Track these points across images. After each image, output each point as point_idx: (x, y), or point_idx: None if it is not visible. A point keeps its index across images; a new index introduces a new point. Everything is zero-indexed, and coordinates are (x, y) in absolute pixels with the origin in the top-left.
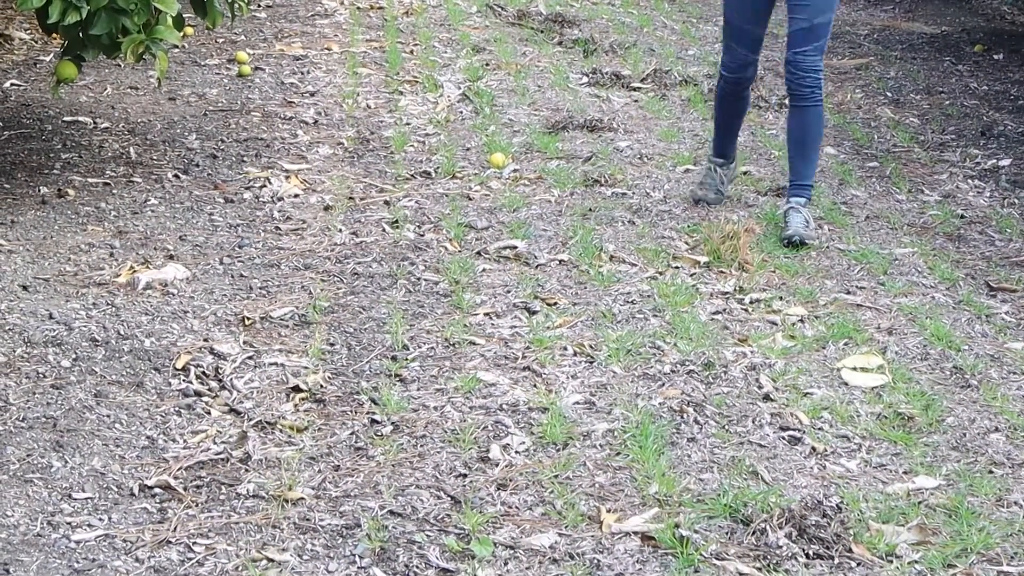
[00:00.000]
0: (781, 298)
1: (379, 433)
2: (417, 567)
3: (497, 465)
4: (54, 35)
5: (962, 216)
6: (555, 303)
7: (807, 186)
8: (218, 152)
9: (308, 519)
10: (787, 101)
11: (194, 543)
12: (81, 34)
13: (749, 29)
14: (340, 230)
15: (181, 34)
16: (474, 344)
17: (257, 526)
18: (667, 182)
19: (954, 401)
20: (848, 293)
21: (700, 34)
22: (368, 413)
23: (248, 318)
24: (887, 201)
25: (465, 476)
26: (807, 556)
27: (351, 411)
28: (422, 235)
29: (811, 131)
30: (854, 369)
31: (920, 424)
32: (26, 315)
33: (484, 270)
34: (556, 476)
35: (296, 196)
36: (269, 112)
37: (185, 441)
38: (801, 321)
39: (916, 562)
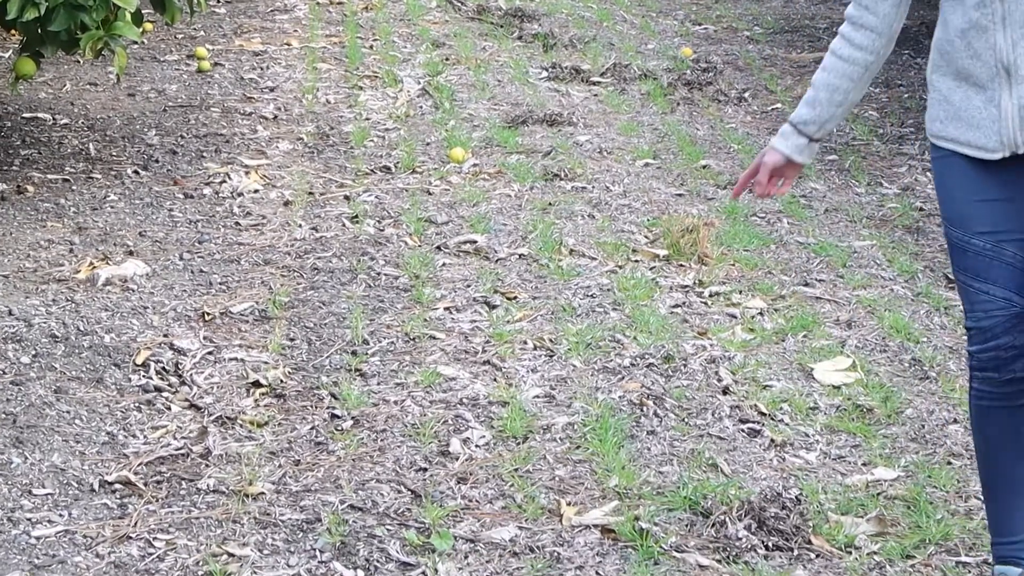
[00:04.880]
0: (740, 291)
1: (339, 428)
2: (378, 561)
3: (457, 459)
4: (12, 31)
5: (921, 209)
6: (515, 297)
7: None
8: (178, 148)
9: (268, 514)
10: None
11: (154, 538)
12: (40, 30)
13: (1001, 250)
14: (300, 225)
15: (140, 30)
16: (434, 338)
17: (217, 521)
18: (627, 176)
19: (913, 393)
20: (807, 286)
21: (660, 28)
22: (328, 408)
23: (208, 313)
24: (846, 194)
25: (425, 470)
26: (766, 548)
27: (311, 406)
28: (382, 230)
29: None
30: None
31: (879, 416)
32: None
33: (444, 264)
34: (516, 470)
35: (256, 192)
36: (229, 108)
37: (145, 437)
38: (760, 314)
39: (875, 553)
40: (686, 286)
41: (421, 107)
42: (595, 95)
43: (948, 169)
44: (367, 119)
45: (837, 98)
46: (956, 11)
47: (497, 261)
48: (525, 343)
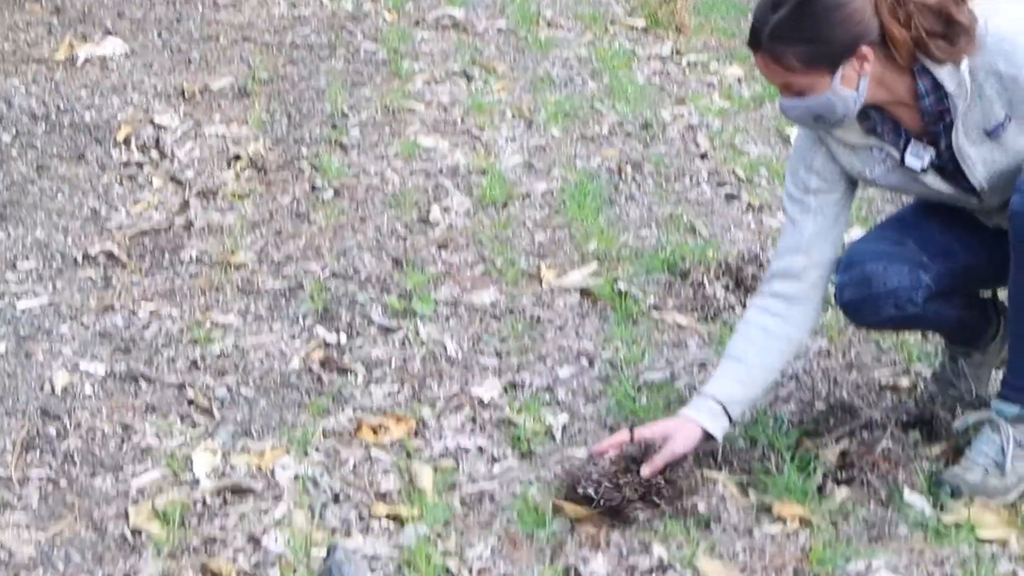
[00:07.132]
0: (718, 60)
1: (320, 199)
2: (359, 325)
3: (437, 226)
4: None
5: None
6: (494, 69)
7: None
8: None
9: (251, 282)
10: None
11: (138, 308)
12: None
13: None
14: (278, 2)
15: None
16: (413, 110)
17: (201, 290)
18: None
19: None
20: None
21: None
22: (309, 179)
23: (188, 90)
24: None
25: (406, 238)
26: (744, 306)
27: (292, 178)
28: (360, 5)
29: None
30: None
31: None
32: None
33: (423, 39)
34: (496, 235)
35: None
36: None
37: (127, 210)
38: (738, 81)
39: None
40: (664, 56)
41: None
42: None
43: None
44: None
45: (771, 377)
46: None
47: (475, 34)
48: (504, 113)
